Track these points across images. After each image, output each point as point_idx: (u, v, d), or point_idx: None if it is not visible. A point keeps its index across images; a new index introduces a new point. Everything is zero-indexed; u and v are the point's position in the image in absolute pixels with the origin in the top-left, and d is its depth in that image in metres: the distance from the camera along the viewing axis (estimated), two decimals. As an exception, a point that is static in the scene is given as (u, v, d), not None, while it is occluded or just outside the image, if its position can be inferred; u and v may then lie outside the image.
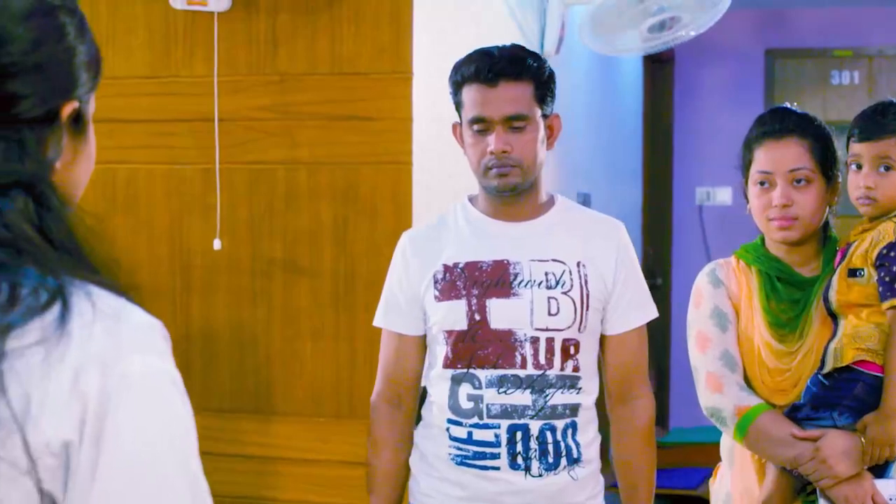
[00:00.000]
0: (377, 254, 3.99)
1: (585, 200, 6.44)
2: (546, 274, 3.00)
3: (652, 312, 3.16)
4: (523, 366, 2.97)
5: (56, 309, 1.27)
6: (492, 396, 2.98)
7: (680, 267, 8.69)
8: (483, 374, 2.98)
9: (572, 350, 3.01)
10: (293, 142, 4.09)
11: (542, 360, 2.98)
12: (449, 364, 3.04)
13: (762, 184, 3.08)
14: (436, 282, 3.05)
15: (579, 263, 3.03)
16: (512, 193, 3.03)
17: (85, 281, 1.32)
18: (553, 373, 2.98)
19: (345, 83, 4.03)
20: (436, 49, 4.14)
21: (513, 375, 2.97)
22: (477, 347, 2.99)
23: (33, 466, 1.23)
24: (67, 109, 1.39)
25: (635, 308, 3.11)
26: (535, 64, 3.02)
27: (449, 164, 4.13)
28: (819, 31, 8.67)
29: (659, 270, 8.65)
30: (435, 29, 4.15)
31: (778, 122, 3.10)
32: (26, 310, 1.26)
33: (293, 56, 4.09)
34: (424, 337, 3.13)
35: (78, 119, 1.41)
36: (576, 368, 3.01)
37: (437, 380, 3.08)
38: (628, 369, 3.14)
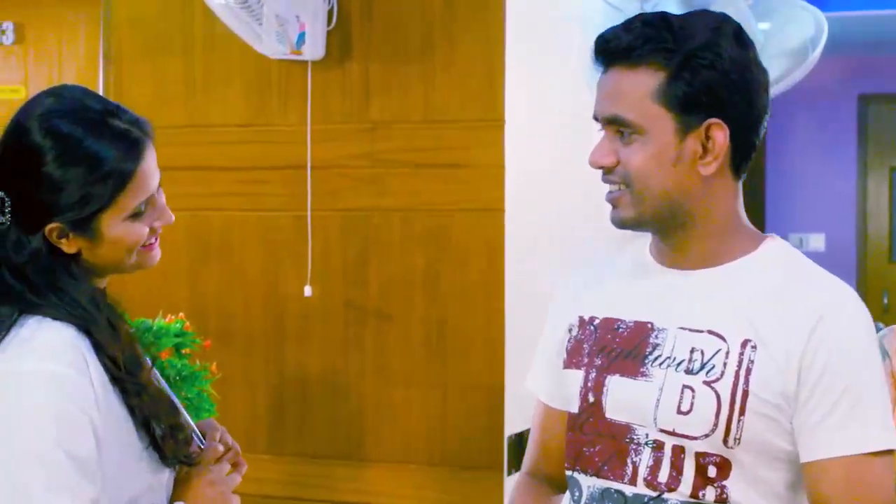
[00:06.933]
0: (469, 301, 3.99)
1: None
2: (692, 351, 1.97)
3: (880, 440, 1.92)
4: (632, 480, 1.98)
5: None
6: None
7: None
8: (585, 483, 2.05)
9: (713, 471, 1.94)
10: (386, 189, 4.11)
11: (662, 476, 1.96)
12: (566, 459, 2.12)
13: None
14: (569, 339, 2.14)
15: (746, 343, 1.94)
16: (634, 230, 2.05)
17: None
18: (676, 499, 1.95)
19: (437, 131, 4.05)
20: (528, 96, 4.14)
21: (616, 491, 2.00)
22: (584, 442, 2.05)
23: None
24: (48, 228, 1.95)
25: (842, 426, 1.91)
26: (672, 43, 1.94)
27: (542, 211, 4.12)
28: (913, 76, 8.60)
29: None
30: (527, 76, 4.15)
31: None
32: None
33: (386, 104, 4.11)
34: None
35: (78, 228, 1.95)
36: (721, 499, 1.94)
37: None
38: None
